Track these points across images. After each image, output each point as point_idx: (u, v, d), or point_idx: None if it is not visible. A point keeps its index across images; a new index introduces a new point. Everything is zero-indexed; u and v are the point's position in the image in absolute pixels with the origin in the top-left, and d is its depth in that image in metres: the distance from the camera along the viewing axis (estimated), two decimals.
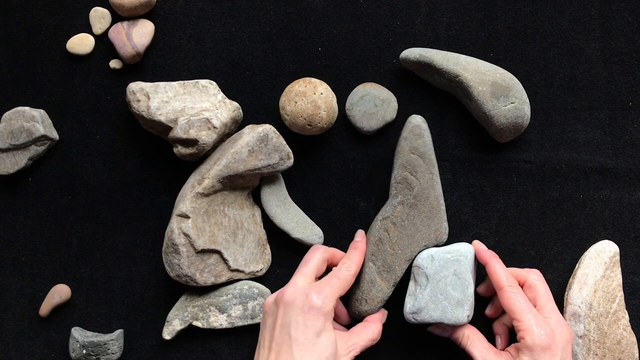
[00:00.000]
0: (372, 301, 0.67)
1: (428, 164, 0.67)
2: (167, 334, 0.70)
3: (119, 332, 0.71)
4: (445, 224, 0.68)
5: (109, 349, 0.70)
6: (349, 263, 0.65)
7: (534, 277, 0.65)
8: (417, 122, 0.67)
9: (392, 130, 0.71)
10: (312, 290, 0.61)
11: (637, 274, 0.70)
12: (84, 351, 0.69)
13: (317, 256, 0.65)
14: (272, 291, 0.71)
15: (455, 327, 0.65)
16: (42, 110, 0.73)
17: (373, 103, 0.70)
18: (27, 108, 0.72)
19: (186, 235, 0.66)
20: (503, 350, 0.65)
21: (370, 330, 0.65)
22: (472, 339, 0.64)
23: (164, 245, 0.68)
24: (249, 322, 0.70)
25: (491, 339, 0.69)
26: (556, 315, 0.62)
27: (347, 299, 0.69)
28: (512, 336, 0.66)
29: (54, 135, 0.73)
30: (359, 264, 0.66)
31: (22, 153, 0.72)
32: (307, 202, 0.72)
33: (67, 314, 0.73)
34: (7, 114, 0.72)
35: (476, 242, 0.68)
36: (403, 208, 0.67)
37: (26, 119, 0.72)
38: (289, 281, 0.63)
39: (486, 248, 0.67)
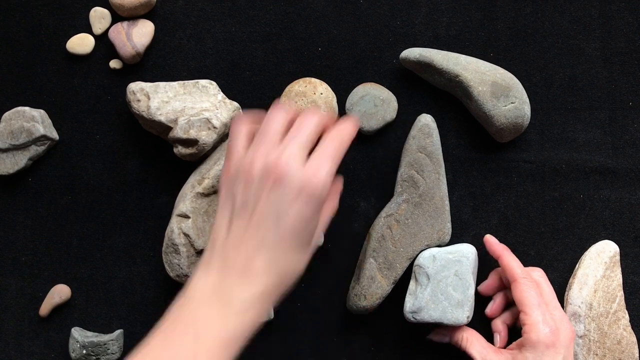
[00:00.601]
0: (372, 297, 0.67)
1: (435, 163, 0.67)
2: None
3: (119, 332, 0.71)
4: (449, 225, 0.68)
5: (109, 349, 0.70)
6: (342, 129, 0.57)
7: (538, 274, 0.65)
8: (426, 121, 0.68)
9: (392, 130, 0.71)
10: (312, 168, 0.53)
11: (637, 274, 0.70)
12: (84, 351, 0.69)
13: (280, 119, 0.56)
14: None
15: (454, 330, 0.65)
16: (42, 110, 0.73)
17: (373, 103, 0.70)
18: (27, 108, 0.72)
19: (186, 235, 0.66)
20: (503, 347, 0.65)
21: (327, 207, 0.59)
22: (471, 341, 0.64)
23: (164, 245, 0.68)
24: None
25: (489, 340, 0.69)
26: (560, 313, 0.62)
27: (346, 293, 0.69)
28: (512, 335, 0.66)
29: (54, 135, 0.73)
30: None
31: (22, 153, 0.72)
32: None
33: (67, 314, 0.73)
34: (7, 114, 0.72)
35: (488, 236, 0.68)
36: (407, 206, 0.67)
37: (26, 119, 0.72)
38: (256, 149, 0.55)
39: (498, 242, 0.67)
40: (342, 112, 0.71)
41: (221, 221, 0.55)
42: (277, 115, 0.56)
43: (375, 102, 0.70)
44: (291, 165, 0.53)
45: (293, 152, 0.53)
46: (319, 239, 0.59)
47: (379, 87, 0.71)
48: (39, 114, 0.72)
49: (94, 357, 0.70)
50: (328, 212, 0.59)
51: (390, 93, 0.71)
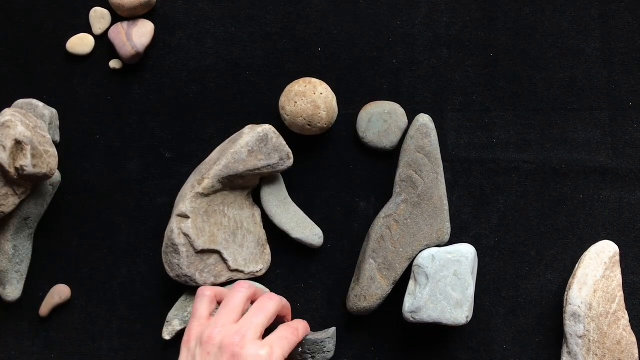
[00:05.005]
0: (372, 298, 0.67)
1: (433, 163, 0.67)
2: (167, 334, 0.70)
3: (332, 330, 0.67)
4: (448, 224, 0.68)
5: (325, 347, 0.67)
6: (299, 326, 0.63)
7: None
8: (424, 121, 0.68)
9: None
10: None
11: (637, 274, 0.70)
12: (300, 349, 0.66)
13: (242, 296, 0.62)
14: (272, 291, 0.71)
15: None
16: (54, 110, 0.71)
17: (381, 120, 0.70)
18: (40, 104, 0.71)
19: (186, 235, 0.66)
20: None
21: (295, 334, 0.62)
22: None
23: (164, 245, 0.68)
24: None
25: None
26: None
27: (346, 294, 0.69)
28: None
29: (56, 137, 0.72)
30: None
31: None
32: (307, 202, 0.72)
33: (67, 314, 0.73)
34: (19, 102, 0.71)
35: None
36: (406, 206, 0.67)
37: (35, 115, 0.70)
38: (219, 320, 0.60)
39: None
40: (342, 112, 0.71)
41: None
42: (239, 292, 0.62)
43: (383, 118, 0.70)
44: (246, 348, 0.57)
45: (249, 336, 0.58)
46: None
47: (378, 103, 0.70)
48: (49, 113, 0.71)
49: (309, 355, 0.66)
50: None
51: (391, 102, 0.70)
